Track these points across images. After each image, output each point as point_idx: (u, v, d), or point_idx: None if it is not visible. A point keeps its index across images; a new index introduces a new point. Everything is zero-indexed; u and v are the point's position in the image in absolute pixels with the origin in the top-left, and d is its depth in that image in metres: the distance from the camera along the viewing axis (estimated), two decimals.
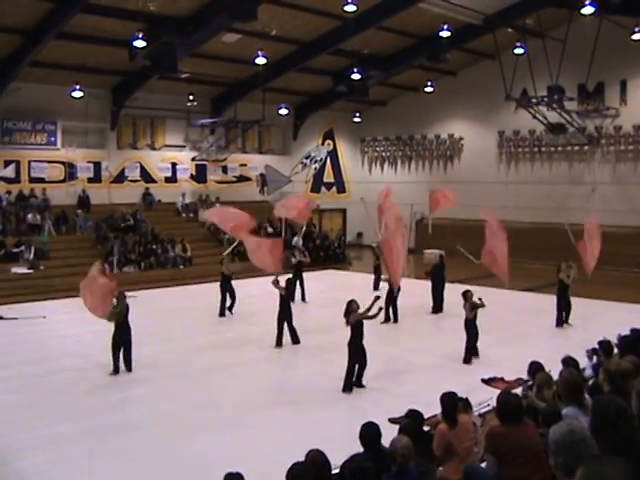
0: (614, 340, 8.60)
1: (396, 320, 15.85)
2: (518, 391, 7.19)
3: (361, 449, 5.50)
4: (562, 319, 15.16)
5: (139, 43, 19.86)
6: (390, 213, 13.60)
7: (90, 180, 25.30)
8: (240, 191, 29.48)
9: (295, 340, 13.79)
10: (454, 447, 6.12)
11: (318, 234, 29.35)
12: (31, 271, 20.66)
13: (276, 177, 29.27)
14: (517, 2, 22.70)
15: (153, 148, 27.37)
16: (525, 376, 8.38)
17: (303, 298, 18.59)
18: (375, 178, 33.73)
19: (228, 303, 16.75)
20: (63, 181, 24.71)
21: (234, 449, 8.21)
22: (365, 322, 10.74)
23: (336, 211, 33.68)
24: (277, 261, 13.67)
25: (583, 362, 8.67)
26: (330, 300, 18.72)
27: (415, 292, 17.04)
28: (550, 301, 15.79)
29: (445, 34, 23.40)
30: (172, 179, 27.73)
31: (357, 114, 33.23)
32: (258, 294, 17.05)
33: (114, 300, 11.68)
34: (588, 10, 20.58)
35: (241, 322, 16.19)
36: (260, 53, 22.61)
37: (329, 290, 20.45)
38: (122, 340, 11.68)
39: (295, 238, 26.52)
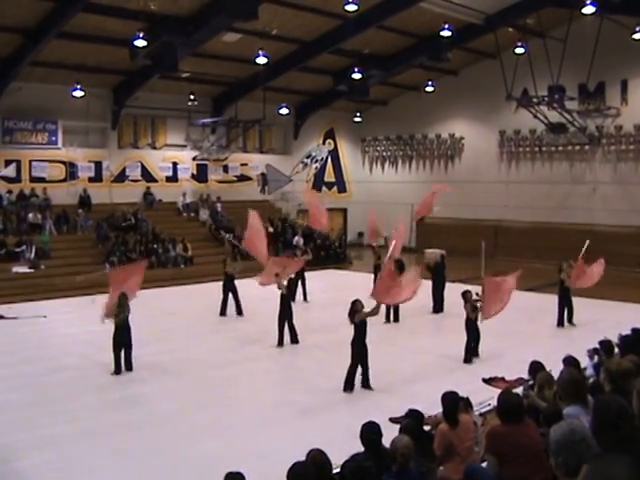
0: (615, 340, 8.59)
1: (397, 320, 15.85)
2: (519, 391, 7.17)
3: (362, 449, 5.50)
4: (563, 319, 15.16)
5: (140, 42, 19.88)
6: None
7: (91, 179, 25.32)
8: (241, 190, 29.50)
9: (294, 340, 13.80)
10: (455, 447, 6.11)
11: (319, 234, 29.33)
12: (32, 270, 20.67)
13: (277, 176, 29.28)
14: (518, 2, 22.68)
15: (154, 147, 27.38)
16: (526, 376, 8.37)
17: (305, 298, 18.59)
18: (376, 178, 33.77)
19: (232, 306, 16.70)
20: (64, 180, 24.72)
21: (235, 448, 8.21)
22: (367, 321, 10.75)
23: (337, 211, 33.62)
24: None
25: (584, 362, 8.66)
26: (331, 300, 18.74)
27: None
28: (551, 301, 15.79)
29: (446, 34, 23.40)
30: (173, 178, 27.75)
31: (358, 114, 33.22)
32: (259, 293, 16.96)
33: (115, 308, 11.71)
34: (589, 10, 20.55)
35: (242, 322, 16.19)
36: (261, 52, 22.62)
37: (330, 290, 20.46)
38: (122, 340, 11.69)
39: (296, 237, 26.60)
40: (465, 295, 12.45)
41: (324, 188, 33.03)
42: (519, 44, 23.71)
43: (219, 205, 27.67)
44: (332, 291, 20.22)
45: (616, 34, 22.34)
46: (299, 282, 18.35)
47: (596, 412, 3.54)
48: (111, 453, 8.23)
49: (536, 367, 7.73)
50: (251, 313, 16.60)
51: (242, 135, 29.39)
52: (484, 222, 28.12)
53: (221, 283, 17.08)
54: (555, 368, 7.27)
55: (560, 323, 15.14)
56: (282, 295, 13.81)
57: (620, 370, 5.23)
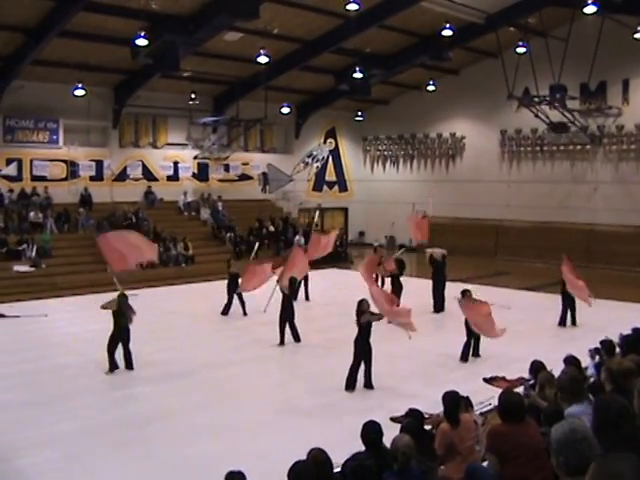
0: (616, 339, 8.59)
1: None
2: (520, 390, 7.17)
3: (363, 448, 5.50)
4: (566, 318, 15.15)
5: (141, 41, 19.87)
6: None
7: (92, 178, 25.30)
8: (242, 189, 29.51)
9: (296, 339, 13.81)
10: (456, 446, 6.12)
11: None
12: (33, 269, 20.68)
13: (278, 176, 29.28)
14: (519, 1, 22.67)
15: (155, 146, 27.38)
16: (527, 375, 8.37)
17: (307, 297, 18.58)
18: (377, 177, 33.76)
19: (234, 305, 16.71)
20: (65, 179, 24.71)
21: (235, 448, 8.21)
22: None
23: (338, 210, 33.67)
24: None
25: (585, 361, 8.66)
26: (332, 299, 18.77)
27: (416, 291, 17.02)
28: (552, 300, 15.79)
29: (447, 33, 23.39)
30: (174, 177, 27.74)
31: (359, 113, 33.20)
32: (260, 292, 16.96)
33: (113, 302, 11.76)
34: (590, 9, 20.53)
35: (243, 320, 16.18)
36: (262, 52, 22.61)
37: (331, 289, 20.46)
38: (120, 338, 11.66)
39: (297, 236, 26.59)
40: (464, 294, 12.45)
41: (325, 187, 33.06)
42: (520, 43, 23.69)
43: (220, 204, 27.67)
44: (333, 290, 20.23)
45: (618, 34, 22.32)
46: (301, 281, 18.33)
47: (597, 412, 3.55)
48: (112, 452, 8.23)
49: (537, 366, 7.73)
50: (253, 312, 16.59)
51: (243, 134, 29.39)
52: (485, 221, 28.14)
53: (225, 282, 17.01)
54: (556, 368, 7.27)
55: (562, 322, 15.13)
56: (284, 294, 13.82)
57: (621, 370, 5.23)
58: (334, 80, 28.06)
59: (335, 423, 9.05)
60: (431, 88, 29.47)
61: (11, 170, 23.44)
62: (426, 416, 6.97)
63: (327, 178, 33.19)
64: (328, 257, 19.66)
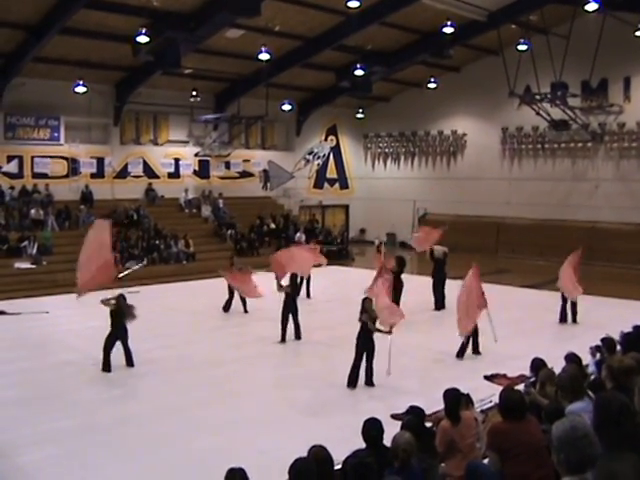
0: (617, 337, 8.58)
1: None
2: (521, 387, 7.17)
3: (363, 445, 5.51)
4: (566, 314, 15.14)
5: (142, 39, 19.89)
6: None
7: (93, 175, 25.32)
8: (243, 187, 29.52)
9: (297, 335, 13.81)
10: (457, 444, 6.12)
11: (321, 230, 29.36)
12: (34, 266, 20.70)
13: (279, 173, 29.27)
14: None
15: (156, 144, 27.37)
16: (528, 373, 8.37)
17: (308, 295, 18.55)
18: (378, 174, 33.74)
19: (235, 302, 16.72)
20: (66, 176, 24.72)
21: (236, 445, 8.20)
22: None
23: (339, 207, 33.67)
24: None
25: (586, 359, 8.66)
26: (333, 296, 18.78)
27: (417, 289, 17.01)
28: (553, 298, 15.77)
29: (448, 30, 23.39)
30: (175, 175, 27.75)
31: (360, 110, 33.18)
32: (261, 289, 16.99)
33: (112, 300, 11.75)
34: (592, 6, 20.50)
35: (244, 318, 16.19)
36: (263, 49, 22.62)
37: (332, 286, 20.44)
38: (117, 337, 11.66)
39: (298, 234, 26.61)
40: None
41: (326, 184, 33.06)
42: (522, 41, 23.68)
43: (221, 201, 27.69)
44: (334, 288, 20.22)
45: (619, 31, 22.28)
46: (303, 279, 18.30)
47: (598, 409, 3.55)
48: (112, 448, 8.23)
49: (538, 364, 7.73)
50: (254, 309, 16.59)
51: (244, 131, 29.37)
52: (486, 219, 28.13)
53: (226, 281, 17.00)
54: (557, 365, 7.28)
55: (563, 319, 15.13)
56: (286, 292, 13.80)
57: (622, 367, 5.23)
58: (335, 77, 28.05)
59: (336, 420, 9.06)
60: (432, 85, 29.47)
61: (12, 167, 23.46)
62: (427, 413, 6.97)
63: (328, 175, 33.19)
64: (329, 254, 19.58)
